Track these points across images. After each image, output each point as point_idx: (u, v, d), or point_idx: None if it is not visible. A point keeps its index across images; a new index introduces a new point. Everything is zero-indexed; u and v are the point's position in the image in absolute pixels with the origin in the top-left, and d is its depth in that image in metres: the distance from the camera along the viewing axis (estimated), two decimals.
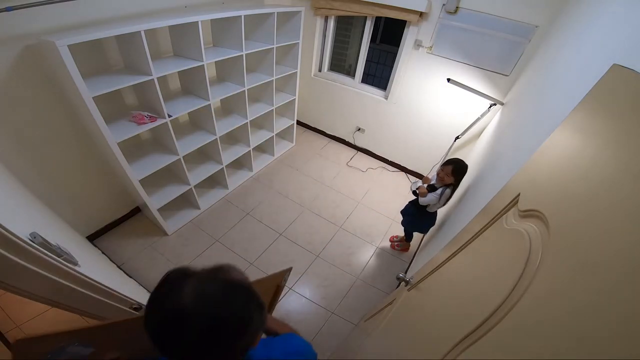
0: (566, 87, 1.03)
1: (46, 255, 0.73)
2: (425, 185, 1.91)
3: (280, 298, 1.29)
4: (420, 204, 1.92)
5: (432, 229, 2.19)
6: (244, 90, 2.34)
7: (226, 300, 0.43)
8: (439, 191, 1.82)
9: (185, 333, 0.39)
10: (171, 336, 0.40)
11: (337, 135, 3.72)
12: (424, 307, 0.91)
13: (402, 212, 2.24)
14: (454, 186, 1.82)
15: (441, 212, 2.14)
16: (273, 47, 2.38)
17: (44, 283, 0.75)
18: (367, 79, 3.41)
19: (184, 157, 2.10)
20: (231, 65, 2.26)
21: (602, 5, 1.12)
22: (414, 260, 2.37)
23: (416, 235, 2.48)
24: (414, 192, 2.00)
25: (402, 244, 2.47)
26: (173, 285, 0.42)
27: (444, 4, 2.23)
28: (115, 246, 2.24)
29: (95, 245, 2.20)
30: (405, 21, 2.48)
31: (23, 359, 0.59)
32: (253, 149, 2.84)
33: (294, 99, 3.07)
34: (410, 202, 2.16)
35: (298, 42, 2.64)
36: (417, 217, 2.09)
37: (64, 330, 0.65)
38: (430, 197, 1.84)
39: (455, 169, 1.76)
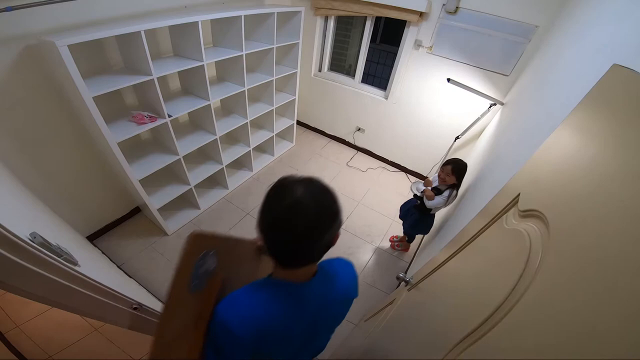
0: (566, 87, 1.03)
1: (46, 255, 0.73)
2: (430, 188, 1.91)
3: None
4: (428, 207, 1.91)
5: (431, 229, 2.18)
6: (244, 90, 2.34)
7: (325, 194, 0.58)
8: (446, 193, 1.82)
9: (301, 217, 0.53)
10: (288, 222, 0.54)
11: (337, 135, 3.72)
12: (424, 307, 0.91)
13: (402, 217, 2.22)
14: (457, 186, 1.82)
15: (441, 213, 2.13)
16: (273, 47, 2.38)
17: (44, 283, 0.75)
18: (367, 78, 3.42)
19: (184, 157, 2.10)
20: (231, 65, 2.26)
21: (602, 5, 1.12)
22: (414, 260, 2.37)
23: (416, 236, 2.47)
24: (415, 196, 1.99)
25: (402, 244, 2.47)
26: (286, 187, 0.58)
27: (444, 4, 2.23)
28: (115, 246, 2.23)
29: (95, 246, 2.19)
30: (405, 21, 2.48)
31: (190, 250, 0.66)
32: (253, 149, 2.84)
33: (294, 99, 3.07)
34: (412, 207, 2.12)
35: (298, 42, 2.64)
36: (420, 220, 2.08)
37: (222, 235, 0.77)
38: (438, 200, 1.84)
39: (454, 168, 1.76)
